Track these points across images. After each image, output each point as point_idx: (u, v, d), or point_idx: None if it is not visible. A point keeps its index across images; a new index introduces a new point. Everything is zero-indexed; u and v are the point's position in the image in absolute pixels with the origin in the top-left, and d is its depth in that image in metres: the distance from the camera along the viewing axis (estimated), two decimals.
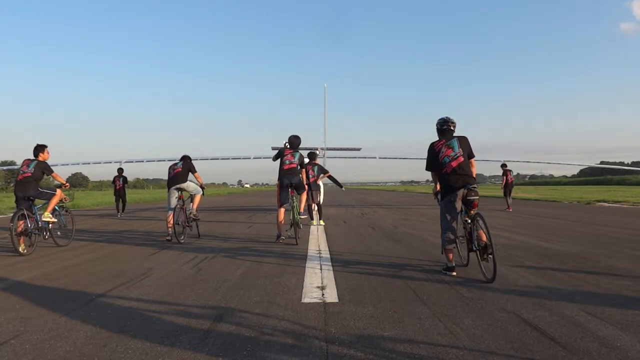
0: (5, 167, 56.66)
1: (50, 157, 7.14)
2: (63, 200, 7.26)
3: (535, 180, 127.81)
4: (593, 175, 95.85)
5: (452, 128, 4.79)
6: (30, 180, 6.63)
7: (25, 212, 6.40)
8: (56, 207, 7.07)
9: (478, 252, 4.32)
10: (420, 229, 9.29)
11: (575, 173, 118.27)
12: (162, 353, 2.53)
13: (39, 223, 6.63)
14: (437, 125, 4.87)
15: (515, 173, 17.43)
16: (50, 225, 6.84)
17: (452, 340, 2.66)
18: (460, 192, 4.54)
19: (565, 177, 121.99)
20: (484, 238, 4.25)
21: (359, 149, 28.74)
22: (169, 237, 7.39)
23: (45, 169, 6.86)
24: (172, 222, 7.37)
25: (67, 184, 7.40)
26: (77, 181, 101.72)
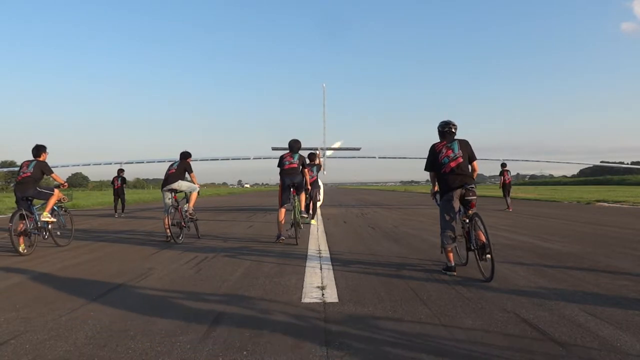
0: (5, 169, 56.67)
1: (49, 158, 7.13)
2: (62, 200, 7.26)
3: (535, 180, 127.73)
4: (593, 175, 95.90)
5: (453, 130, 4.84)
6: (30, 181, 6.63)
7: (24, 212, 6.40)
8: (55, 207, 7.07)
9: (476, 252, 4.34)
10: (420, 229, 9.29)
11: (575, 173, 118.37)
12: (162, 353, 2.53)
13: (38, 223, 6.63)
14: (438, 127, 4.93)
15: (515, 173, 17.48)
16: (49, 225, 6.84)
17: (452, 340, 2.67)
18: (458, 192, 4.56)
19: (565, 177, 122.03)
20: (482, 238, 4.28)
21: (358, 149, 28.63)
22: (168, 239, 7.39)
23: (44, 168, 6.86)
24: (168, 223, 7.37)
25: (66, 184, 7.40)
26: (77, 181, 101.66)
